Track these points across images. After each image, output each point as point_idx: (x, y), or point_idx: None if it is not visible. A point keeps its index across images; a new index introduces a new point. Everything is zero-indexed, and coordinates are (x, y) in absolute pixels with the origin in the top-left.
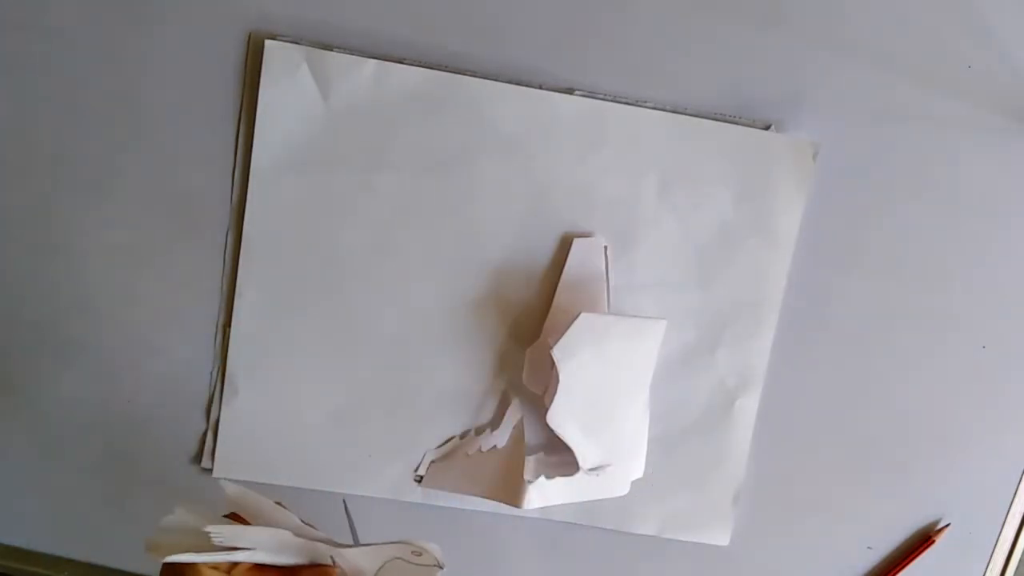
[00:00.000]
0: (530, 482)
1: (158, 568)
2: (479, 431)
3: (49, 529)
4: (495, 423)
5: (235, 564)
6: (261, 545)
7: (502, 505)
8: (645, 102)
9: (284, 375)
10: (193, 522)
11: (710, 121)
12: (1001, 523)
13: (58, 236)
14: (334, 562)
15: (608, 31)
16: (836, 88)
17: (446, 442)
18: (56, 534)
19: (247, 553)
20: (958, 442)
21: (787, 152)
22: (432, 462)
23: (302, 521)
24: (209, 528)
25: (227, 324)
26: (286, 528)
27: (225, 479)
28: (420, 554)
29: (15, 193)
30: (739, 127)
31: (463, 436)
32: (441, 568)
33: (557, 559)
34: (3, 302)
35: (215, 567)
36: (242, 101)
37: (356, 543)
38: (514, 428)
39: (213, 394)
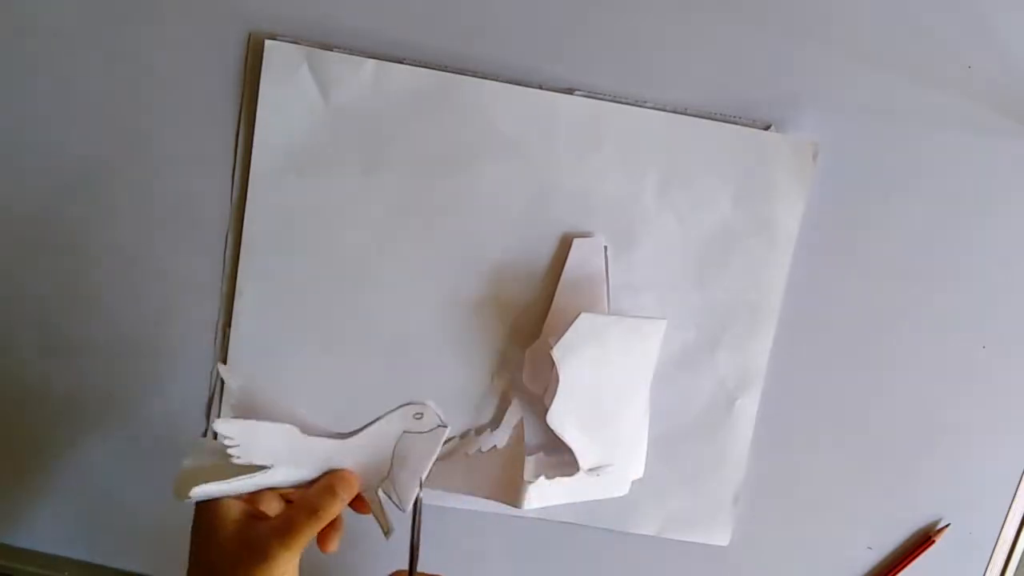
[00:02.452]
0: (530, 482)
1: (158, 566)
2: (479, 431)
3: (49, 529)
4: (495, 423)
5: (257, 494)
6: (276, 455)
7: (502, 505)
8: (645, 102)
9: (284, 375)
10: (212, 457)
11: (710, 121)
12: (1001, 523)
13: (58, 236)
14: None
15: (608, 31)
16: (836, 88)
17: (446, 442)
18: (56, 534)
19: (266, 475)
20: (958, 442)
21: (787, 152)
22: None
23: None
24: (218, 427)
25: (227, 324)
26: (293, 423)
27: (228, 374)
28: (421, 416)
29: (15, 193)
30: (739, 127)
31: (463, 436)
32: (445, 427)
33: (557, 559)
34: (3, 302)
35: (239, 498)
36: (242, 101)
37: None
38: (514, 428)
39: (213, 394)
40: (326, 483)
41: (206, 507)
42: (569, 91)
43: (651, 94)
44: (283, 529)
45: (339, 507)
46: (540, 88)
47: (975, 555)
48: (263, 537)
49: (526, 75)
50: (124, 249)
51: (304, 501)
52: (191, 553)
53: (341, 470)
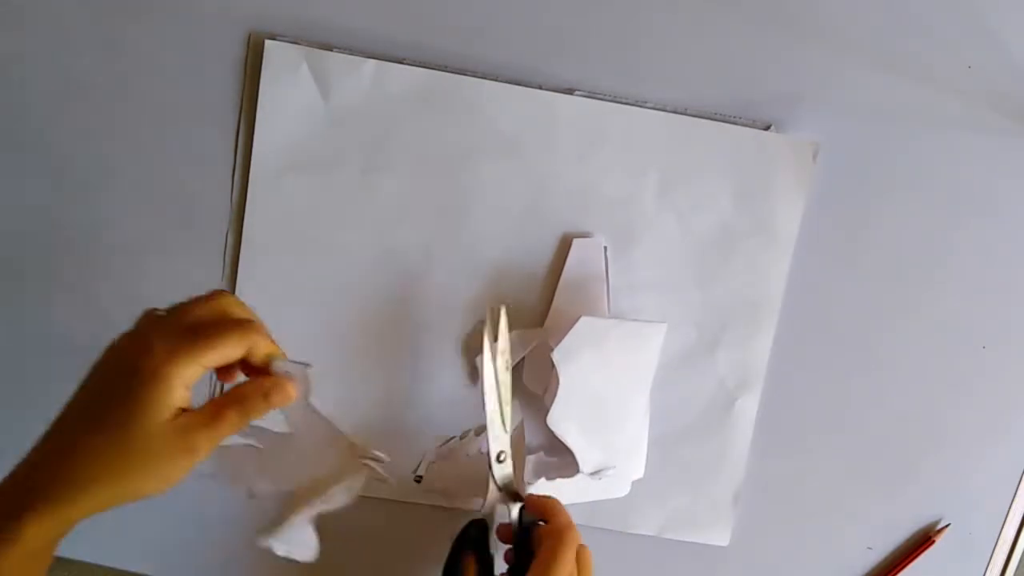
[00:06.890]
0: (530, 483)
1: (158, 566)
2: (479, 431)
3: None
4: None
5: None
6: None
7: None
8: (645, 102)
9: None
10: None
11: (710, 121)
12: (1001, 523)
13: (58, 236)
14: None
15: (608, 31)
16: (836, 88)
17: (446, 442)
18: None
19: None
20: (958, 442)
21: (787, 152)
22: (432, 462)
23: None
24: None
25: None
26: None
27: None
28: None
29: (15, 193)
30: (739, 127)
31: (463, 436)
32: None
33: None
34: (3, 302)
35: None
36: (242, 101)
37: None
38: (514, 429)
39: (213, 394)
40: (262, 387)
41: (161, 375)
42: (569, 91)
43: (651, 94)
44: (212, 424)
45: (267, 412)
46: (540, 88)
47: (975, 555)
48: (192, 429)
49: (526, 75)
50: (124, 249)
51: (237, 397)
52: (93, 395)
53: (283, 380)
